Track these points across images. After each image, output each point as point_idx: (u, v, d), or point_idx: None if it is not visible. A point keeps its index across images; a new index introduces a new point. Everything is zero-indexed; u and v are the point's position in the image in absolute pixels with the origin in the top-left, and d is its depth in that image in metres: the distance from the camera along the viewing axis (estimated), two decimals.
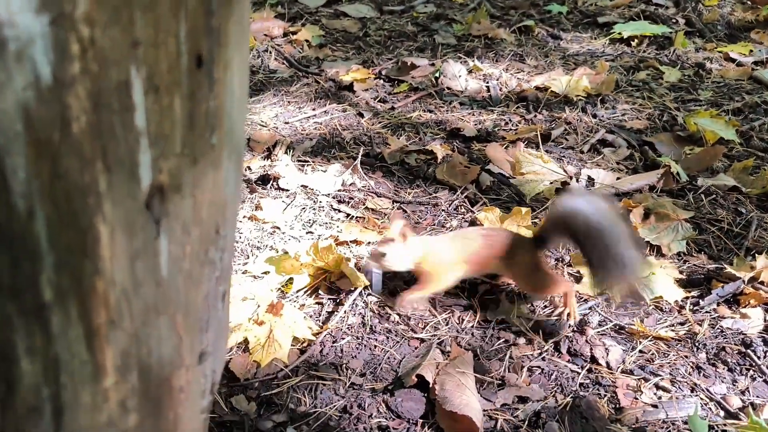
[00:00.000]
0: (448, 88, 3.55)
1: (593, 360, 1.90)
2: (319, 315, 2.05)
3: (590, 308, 2.09)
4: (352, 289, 2.11)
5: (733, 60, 3.96)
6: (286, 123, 3.18)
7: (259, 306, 2.01)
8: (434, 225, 2.45)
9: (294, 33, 4.19)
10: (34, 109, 0.56)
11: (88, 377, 0.66)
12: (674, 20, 4.52)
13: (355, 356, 1.90)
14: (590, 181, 2.74)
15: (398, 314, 2.04)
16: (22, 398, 0.63)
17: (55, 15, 0.54)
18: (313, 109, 3.31)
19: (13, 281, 0.59)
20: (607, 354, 1.91)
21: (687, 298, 2.13)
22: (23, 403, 0.63)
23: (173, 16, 0.63)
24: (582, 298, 2.13)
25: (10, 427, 0.64)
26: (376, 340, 1.96)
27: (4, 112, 0.54)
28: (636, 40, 4.20)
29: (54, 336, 0.62)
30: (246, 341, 1.91)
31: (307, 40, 4.10)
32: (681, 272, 2.23)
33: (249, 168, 2.78)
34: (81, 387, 0.66)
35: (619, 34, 4.22)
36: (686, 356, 1.92)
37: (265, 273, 2.18)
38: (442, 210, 2.54)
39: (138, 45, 0.60)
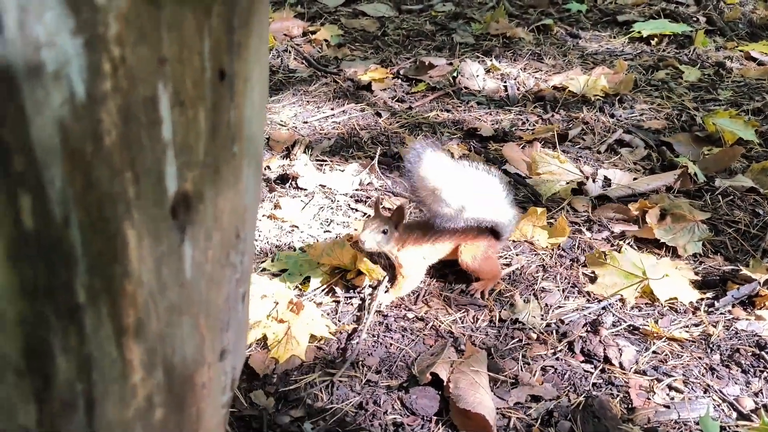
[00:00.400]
0: (466, 88, 3.57)
1: (606, 360, 1.91)
2: (336, 313, 2.09)
3: (604, 308, 2.10)
4: (371, 284, 2.16)
5: (754, 59, 3.93)
6: (305, 122, 3.22)
7: (277, 304, 2.05)
8: None
9: (313, 32, 4.24)
10: (70, 124, 0.60)
11: (118, 374, 0.71)
12: (695, 18, 4.49)
13: (371, 354, 1.94)
14: (607, 181, 2.75)
15: (414, 313, 2.08)
16: (58, 393, 0.68)
17: (89, 36, 0.58)
18: (332, 109, 3.35)
19: (49, 284, 0.63)
20: (621, 354, 1.93)
21: (702, 299, 2.13)
22: (59, 398, 0.68)
23: (197, 34, 0.66)
24: (596, 298, 2.15)
25: (46, 420, 0.68)
26: (392, 338, 1.99)
27: (42, 127, 0.58)
28: (656, 39, 4.18)
29: (87, 335, 0.67)
30: (265, 338, 1.96)
31: (326, 40, 4.14)
32: (696, 273, 2.24)
33: (268, 167, 2.83)
34: (111, 383, 0.71)
35: (639, 32, 4.20)
36: (700, 357, 1.93)
37: (283, 271, 2.23)
38: None
39: (165, 62, 0.64)
